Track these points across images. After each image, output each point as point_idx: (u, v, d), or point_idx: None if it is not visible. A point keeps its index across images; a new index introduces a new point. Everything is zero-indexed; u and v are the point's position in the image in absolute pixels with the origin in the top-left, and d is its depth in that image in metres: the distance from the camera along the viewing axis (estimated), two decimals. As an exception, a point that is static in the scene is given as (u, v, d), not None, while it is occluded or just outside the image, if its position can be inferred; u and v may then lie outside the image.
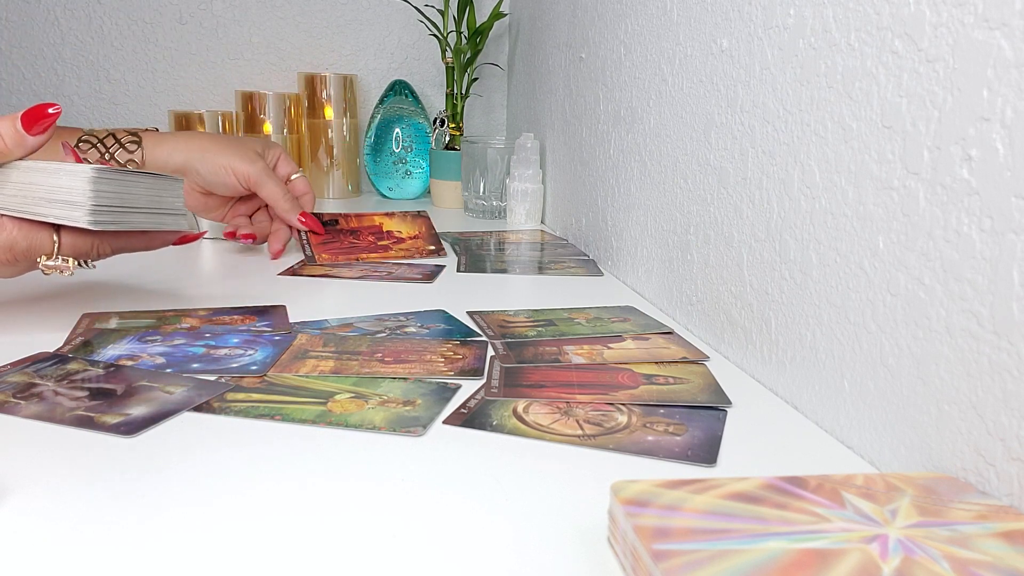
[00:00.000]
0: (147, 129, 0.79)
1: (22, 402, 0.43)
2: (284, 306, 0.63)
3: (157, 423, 0.41)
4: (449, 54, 1.22)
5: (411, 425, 0.42)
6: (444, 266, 0.80)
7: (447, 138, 1.24)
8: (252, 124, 1.27)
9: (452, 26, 1.23)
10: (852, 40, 0.40)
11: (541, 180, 1.07)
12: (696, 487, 0.31)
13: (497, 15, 1.22)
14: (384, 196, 1.33)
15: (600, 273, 0.79)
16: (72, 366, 0.48)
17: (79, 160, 0.56)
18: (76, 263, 0.52)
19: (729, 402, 0.46)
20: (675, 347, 0.55)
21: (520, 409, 0.44)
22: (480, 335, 0.57)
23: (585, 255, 0.87)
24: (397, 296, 0.68)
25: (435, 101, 1.39)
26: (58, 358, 0.49)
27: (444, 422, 0.42)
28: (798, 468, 0.39)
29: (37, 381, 0.46)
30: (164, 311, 0.61)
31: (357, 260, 0.82)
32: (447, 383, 0.48)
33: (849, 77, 0.41)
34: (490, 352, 0.53)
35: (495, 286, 0.73)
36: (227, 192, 0.81)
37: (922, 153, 0.36)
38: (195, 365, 0.49)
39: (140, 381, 0.46)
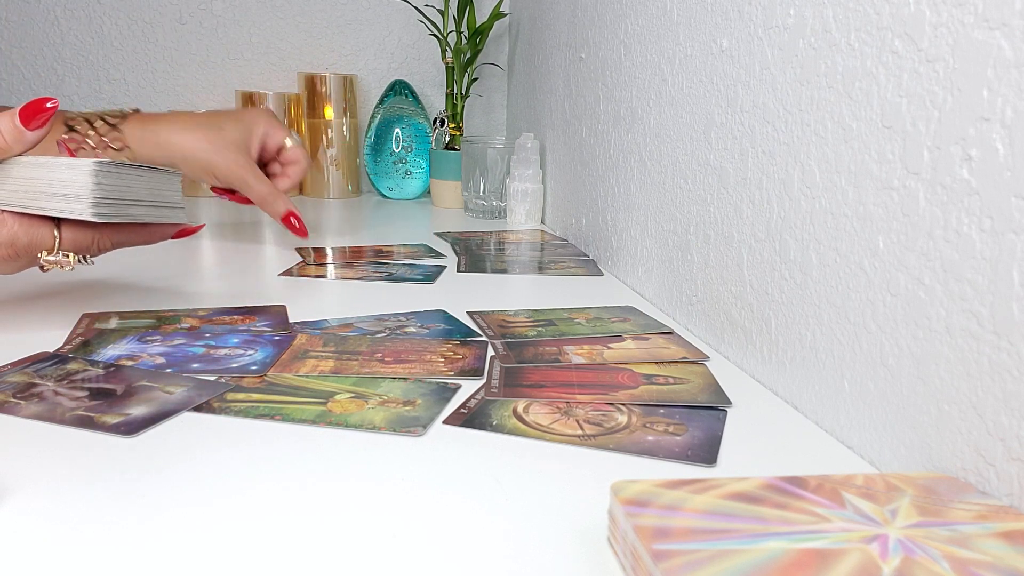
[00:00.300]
0: (127, 113, 0.78)
1: (22, 402, 0.43)
2: (284, 306, 0.63)
3: (157, 423, 0.41)
4: (449, 54, 1.22)
5: (411, 425, 0.42)
6: (444, 266, 0.80)
7: (447, 138, 1.24)
8: (252, 124, 1.27)
9: (452, 26, 1.23)
10: (852, 40, 0.40)
11: (541, 180, 1.07)
12: (696, 487, 0.31)
13: (497, 15, 1.22)
14: (384, 196, 1.33)
15: (600, 273, 0.79)
16: (72, 366, 0.48)
17: (71, 154, 0.56)
18: (77, 258, 0.52)
19: (729, 402, 0.46)
20: (675, 347, 0.55)
21: (520, 409, 0.44)
22: (480, 335, 0.57)
23: (585, 255, 0.87)
24: (397, 296, 0.68)
25: (435, 101, 1.39)
26: (58, 358, 0.49)
27: (444, 422, 0.42)
28: (798, 468, 0.39)
29: (37, 381, 0.46)
30: (164, 311, 0.61)
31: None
32: (447, 383, 0.48)
33: (849, 77, 0.41)
34: (490, 352, 0.53)
35: (495, 286, 0.73)
36: (213, 183, 0.82)
37: (922, 153, 0.36)
38: (195, 365, 0.49)
39: (140, 381, 0.46)
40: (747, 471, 0.38)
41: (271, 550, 0.30)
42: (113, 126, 0.76)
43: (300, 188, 1.33)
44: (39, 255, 0.51)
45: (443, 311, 0.63)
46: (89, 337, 0.54)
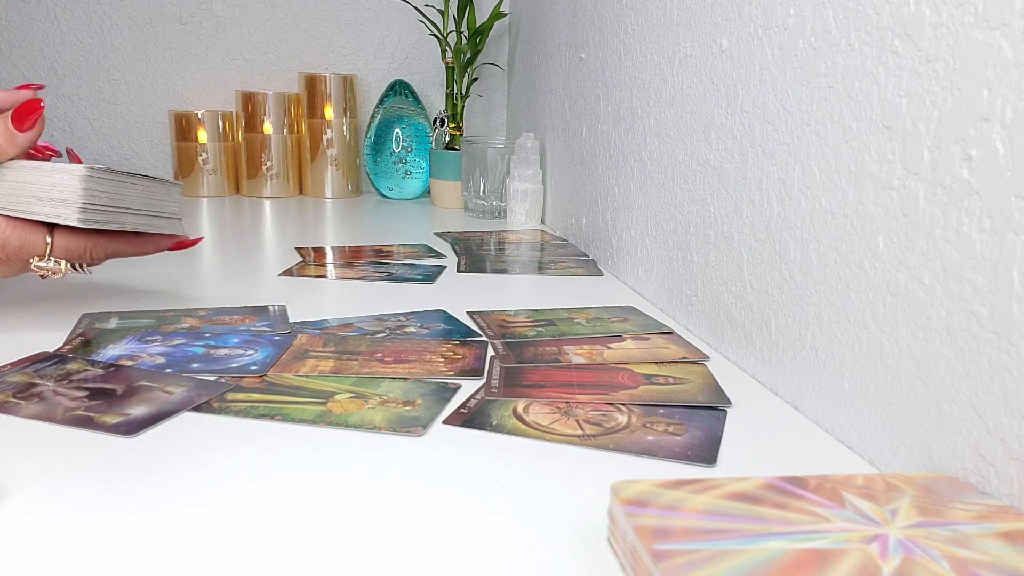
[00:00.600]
0: None
1: (22, 402, 0.43)
2: (284, 306, 0.63)
3: (157, 423, 0.41)
4: (449, 54, 1.22)
5: (411, 425, 0.42)
6: (444, 266, 0.80)
7: (447, 138, 1.24)
8: (252, 124, 1.27)
9: (452, 26, 1.23)
10: (852, 40, 0.40)
11: (541, 180, 1.07)
12: (696, 487, 0.31)
13: (497, 15, 1.22)
14: (384, 196, 1.33)
15: (600, 273, 0.79)
16: (72, 366, 0.48)
17: (78, 162, 0.56)
18: (69, 266, 0.52)
19: (729, 402, 0.46)
20: (675, 347, 0.55)
21: (520, 409, 0.44)
22: (480, 335, 0.57)
23: (585, 255, 0.87)
24: (397, 296, 0.68)
25: (435, 101, 1.39)
26: (58, 358, 0.49)
27: (444, 422, 0.42)
28: (798, 468, 0.39)
29: (37, 381, 0.46)
30: (164, 311, 0.61)
31: None
32: (447, 383, 0.48)
33: (849, 77, 0.41)
34: (490, 352, 0.53)
35: (495, 286, 0.73)
36: None
37: (922, 153, 0.36)
38: (195, 365, 0.49)
39: (140, 381, 0.46)
40: (747, 471, 0.38)
41: (271, 550, 0.30)
42: None
43: (300, 188, 1.33)
44: (31, 261, 0.51)
45: (443, 311, 0.63)
46: (89, 337, 0.54)
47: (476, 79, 1.30)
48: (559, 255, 0.87)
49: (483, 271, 0.79)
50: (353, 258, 0.84)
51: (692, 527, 0.28)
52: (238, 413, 0.42)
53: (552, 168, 1.04)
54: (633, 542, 0.28)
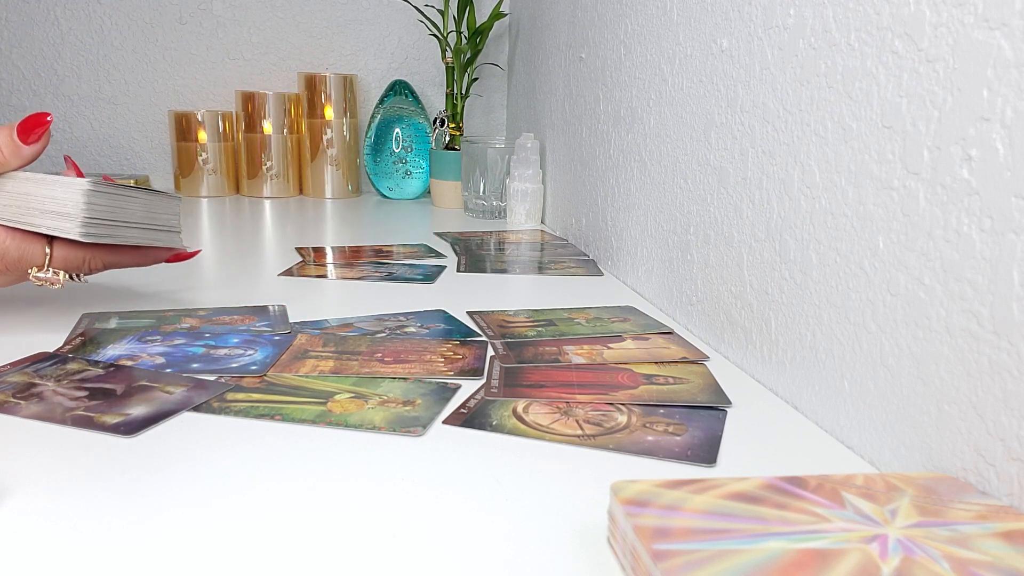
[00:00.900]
0: None
1: (22, 402, 0.43)
2: (284, 306, 0.63)
3: (157, 423, 0.41)
4: (449, 54, 1.22)
5: (411, 425, 0.42)
6: (444, 266, 0.80)
7: (447, 138, 1.24)
8: (252, 124, 1.27)
9: (452, 26, 1.23)
10: (852, 40, 0.40)
11: (541, 180, 1.07)
12: (696, 487, 0.31)
13: (497, 15, 1.22)
14: (384, 196, 1.33)
15: (600, 273, 0.79)
16: (72, 366, 0.48)
17: (80, 174, 0.56)
18: (67, 276, 0.52)
19: (729, 402, 0.46)
20: (675, 347, 0.55)
21: (520, 409, 0.44)
22: (480, 335, 0.57)
23: (585, 255, 0.87)
24: (397, 296, 0.68)
25: (435, 101, 1.39)
26: (58, 358, 0.49)
27: (444, 422, 0.42)
28: (798, 468, 0.39)
29: (37, 381, 0.46)
30: (164, 311, 0.61)
31: None
32: (447, 383, 0.48)
33: (849, 77, 0.41)
34: (490, 352, 0.53)
35: (495, 286, 0.73)
36: None
37: (922, 153, 0.36)
38: (195, 365, 0.49)
39: (140, 381, 0.46)
40: (747, 471, 0.38)
41: (271, 550, 0.30)
42: None
43: (300, 188, 1.33)
44: (29, 271, 0.51)
45: (443, 311, 0.63)
46: (89, 337, 0.54)
47: (476, 79, 1.30)
48: (559, 255, 0.87)
49: (483, 271, 0.79)
50: (353, 258, 0.84)
51: (692, 527, 0.28)
52: (238, 413, 0.42)
53: (552, 168, 1.04)
54: (633, 542, 0.28)
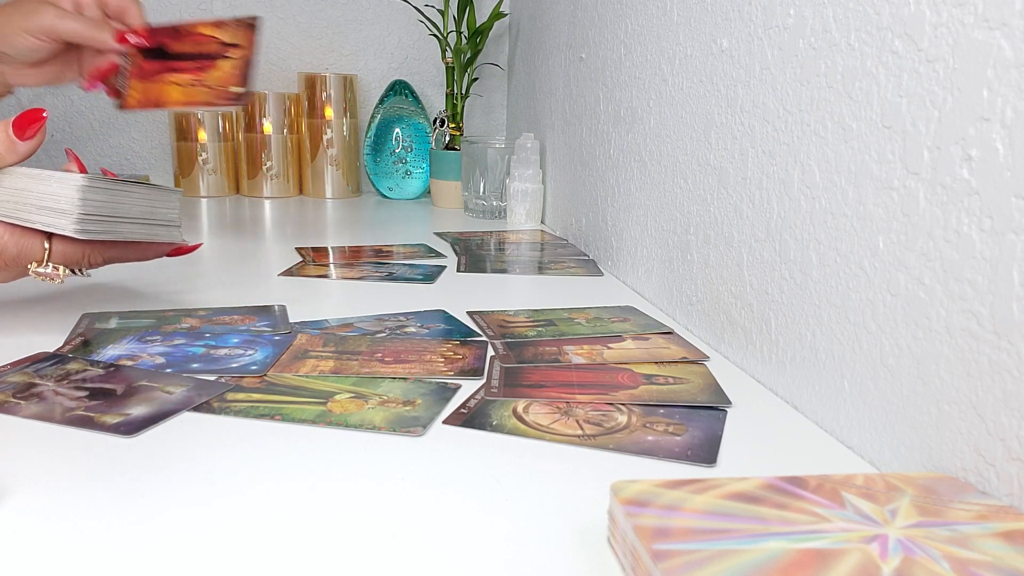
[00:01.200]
0: None
1: (22, 402, 0.43)
2: (284, 306, 0.63)
3: (157, 423, 0.41)
4: (449, 54, 1.22)
5: (411, 425, 0.42)
6: (444, 266, 0.80)
7: (447, 138, 1.24)
8: (252, 124, 1.27)
9: (452, 26, 1.23)
10: (852, 40, 0.40)
11: (541, 180, 1.07)
12: (696, 487, 0.31)
13: (497, 15, 1.22)
14: (384, 196, 1.33)
15: (600, 273, 0.79)
16: (72, 366, 0.48)
17: (81, 167, 0.56)
18: (67, 271, 0.52)
19: (729, 402, 0.46)
20: (675, 347, 0.55)
21: (520, 409, 0.44)
22: (480, 335, 0.57)
23: (585, 255, 0.87)
24: (397, 296, 0.68)
25: (435, 101, 1.39)
26: (58, 358, 0.49)
27: (444, 422, 0.42)
28: (798, 468, 0.39)
29: (37, 381, 0.46)
30: (164, 311, 0.61)
31: (162, 94, 0.73)
32: (447, 383, 0.48)
33: (849, 77, 0.41)
34: (490, 352, 0.53)
35: (495, 286, 0.73)
36: (45, 54, 0.72)
37: (922, 153, 0.36)
38: (195, 365, 0.49)
39: (140, 381, 0.46)
40: (747, 471, 0.38)
41: (271, 550, 0.30)
42: None
43: (300, 188, 1.33)
44: (29, 267, 0.51)
45: (443, 311, 0.63)
46: (89, 337, 0.54)
47: (476, 79, 1.30)
48: (559, 255, 0.87)
49: (483, 271, 0.79)
50: (353, 258, 0.84)
51: (692, 527, 0.28)
52: (238, 413, 0.42)
53: (552, 168, 1.04)
54: (633, 542, 0.28)
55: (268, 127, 1.27)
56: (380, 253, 0.86)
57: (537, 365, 0.51)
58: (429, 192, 1.29)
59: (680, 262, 0.62)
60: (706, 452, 0.40)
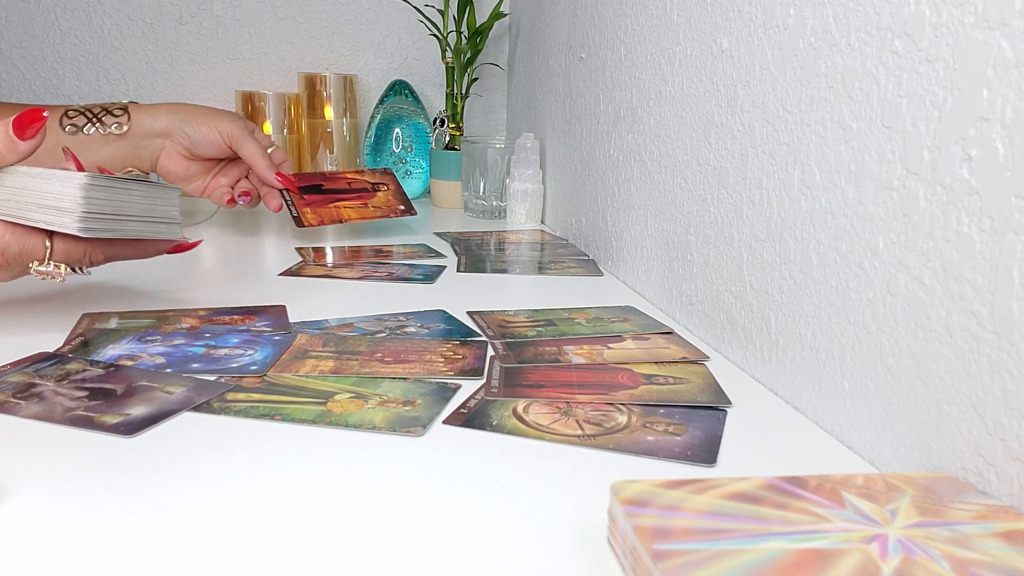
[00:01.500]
0: (125, 104, 0.84)
1: (22, 402, 0.43)
2: (284, 306, 0.63)
3: (157, 423, 0.41)
4: (449, 54, 1.22)
5: (411, 425, 0.42)
6: (444, 266, 0.80)
7: (447, 138, 1.24)
8: (252, 124, 1.27)
9: (452, 26, 1.23)
10: (852, 40, 0.40)
11: (541, 180, 1.07)
12: (696, 487, 0.31)
13: (497, 15, 1.22)
14: (384, 196, 1.33)
15: (600, 273, 0.79)
16: (72, 366, 0.48)
17: (79, 166, 0.56)
18: (68, 269, 0.52)
19: (729, 402, 0.46)
20: (675, 347, 0.55)
21: (520, 409, 0.44)
22: (480, 335, 0.57)
23: (585, 255, 0.87)
24: (397, 296, 0.68)
25: (435, 101, 1.39)
26: (58, 358, 0.49)
27: (444, 422, 0.42)
28: (798, 468, 0.39)
29: (37, 381, 0.46)
30: (164, 311, 0.61)
31: (339, 214, 0.91)
32: (447, 383, 0.48)
33: (849, 77, 0.41)
34: (490, 352, 0.53)
35: (495, 286, 0.73)
36: (210, 151, 0.87)
37: (922, 153, 0.36)
38: (195, 365, 0.49)
39: (140, 381, 0.46)
40: (747, 471, 0.38)
41: (271, 550, 0.30)
42: (112, 112, 0.82)
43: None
44: (30, 265, 0.51)
45: (443, 311, 0.63)
46: (89, 337, 0.54)
47: (476, 79, 1.30)
48: (559, 255, 0.87)
49: (483, 271, 0.79)
50: (353, 258, 0.84)
51: (692, 527, 0.28)
52: (238, 413, 0.42)
53: (552, 168, 1.04)
54: (633, 542, 0.28)
55: (268, 127, 1.27)
56: (380, 253, 0.86)
57: (537, 365, 0.51)
58: (429, 192, 1.29)
59: (680, 262, 0.62)
60: (706, 452, 0.40)
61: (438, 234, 0.99)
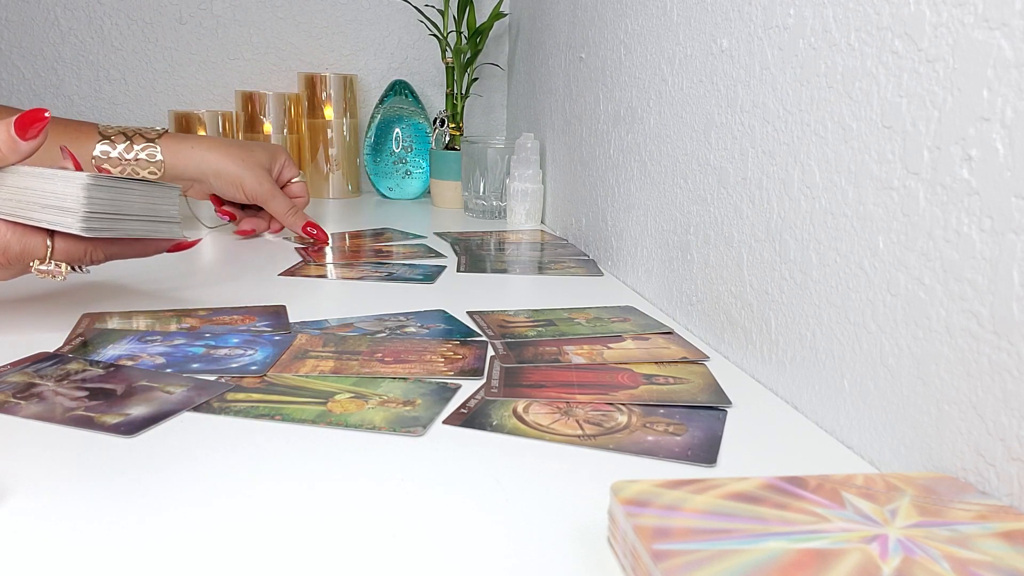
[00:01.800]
0: (161, 132, 0.86)
1: (22, 402, 0.43)
2: (284, 306, 0.63)
3: (157, 423, 0.41)
4: (449, 54, 1.22)
5: (411, 425, 0.42)
6: (444, 266, 0.80)
7: (447, 138, 1.24)
8: (252, 124, 1.27)
9: (452, 26, 1.23)
10: (852, 40, 0.40)
11: (541, 180, 1.07)
12: (696, 487, 0.31)
13: (497, 15, 1.22)
14: (384, 196, 1.33)
15: (600, 273, 0.79)
16: (72, 366, 0.48)
17: (77, 165, 0.56)
18: (69, 268, 0.52)
19: (729, 402, 0.46)
20: (675, 347, 0.55)
21: (520, 409, 0.44)
22: (480, 335, 0.57)
23: (585, 255, 0.87)
24: (397, 296, 0.68)
25: (435, 101, 1.39)
26: (58, 358, 0.49)
27: (444, 422, 0.42)
28: (798, 468, 0.39)
29: (37, 381, 0.46)
30: (164, 311, 0.61)
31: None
32: (447, 383, 0.48)
33: (849, 77, 0.41)
34: (490, 352, 0.53)
35: (495, 286, 0.73)
36: (235, 200, 0.92)
37: (922, 153, 0.36)
38: (195, 365, 0.49)
39: (140, 381, 0.46)
40: (747, 471, 0.38)
41: (271, 550, 0.30)
42: (150, 140, 0.84)
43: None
44: (31, 264, 0.51)
45: (443, 311, 0.63)
46: (89, 337, 0.54)
47: (476, 79, 1.30)
48: (559, 255, 0.87)
49: (483, 271, 0.79)
50: (353, 258, 0.84)
51: (692, 527, 0.28)
52: (238, 413, 0.42)
53: (552, 168, 1.04)
54: (633, 542, 0.28)
55: (268, 127, 1.27)
56: (380, 253, 0.86)
57: (537, 365, 0.51)
58: (429, 192, 1.29)
59: (680, 262, 0.62)
60: (706, 452, 0.40)
61: (438, 234, 0.99)
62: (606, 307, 0.65)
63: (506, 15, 1.27)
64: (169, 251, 0.59)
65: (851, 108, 0.40)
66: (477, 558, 0.30)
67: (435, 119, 1.24)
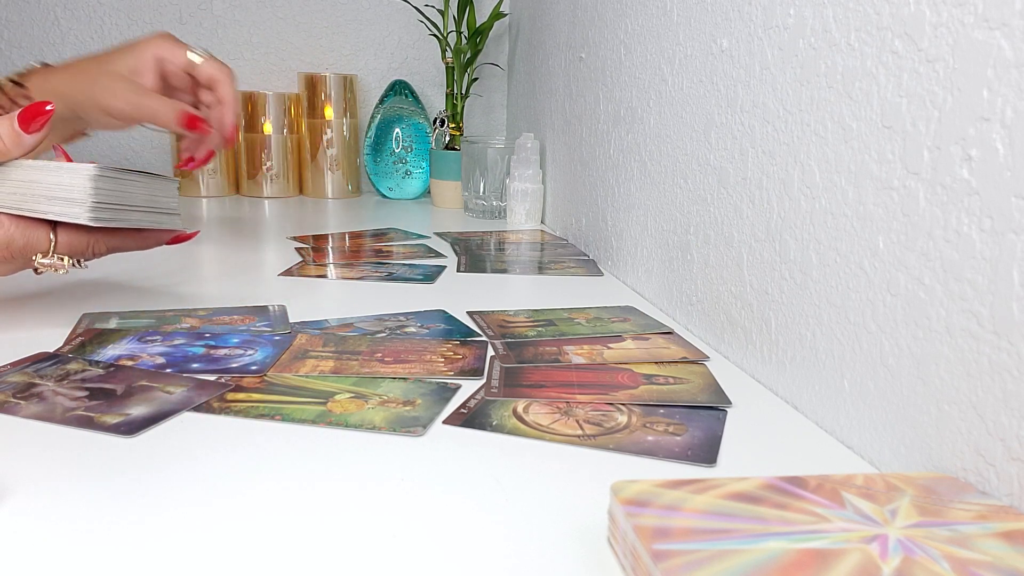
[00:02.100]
0: (33, 69, 0.71)
1: (22, 402, 0.43)
2: (284, 306, 0.63)
3: (157, 423, 0.41)
4: (449, 54, 1.22)
5: (411, 425, 0.42)
6: (444, 266, 0.80)
7: (447, 138, 1.24)
8: (252, 124, 1.27)
9: (452, 26, 1.23)
10: (852, 40, 0.40)
11: (541, 180, 1.07)
12: (696, 487, 0.31)
13: (497, 15, 1.22)
14: (384, 196, 1.33)
15: (600, 273, 0.79)
16: (72, 366, 0.48)
17: (67, 159, 0.56)
18: (71, 262, 0.53)
19: (729, 402, 0.46)
20: (675, 347, 0.55)
21: (520, 409, 0.44)
22: (480, 335, 0.57)
23: (585, 255, 0.87)
24: (397, 296, 0.68)
25: (435, 101, 1.39)
26: (58, 358, 0.49)
27: (444, 422, 0.42)
28: (798, 468, 0.39)
29: (37, 381, 0.46)
30: (164, 311, 0.61)
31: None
32: (447, 383, 0.48)
33: (849, 77, 0.41)
34: (490, 352, 0.53)
35: (495, 286, 0.73)
36: (124, 126, 0.72)
37: (922, 153, 0.36)
38: (195, 365, 0.49)
39: (140, 381, 0.46)
40: (747, 471, 0.38)
41: (271, 550, 0.30)
42: (18, 84, 0.69)
43: (300, 188, 1.33)
44: (34, 258, 0.51)
45: (443, 311, 0.63)
46: (89, 337, 0.54)
47: (476, 79, 1.30)
48: (559, 255, 0.87)
49: (483, 271, 0.79)
50: (353, 258, 0.84)
51: (692, 527, 0.28)
52: (238, 413, 0.42)
53: (552, 168, 1.04)
54: (633, 542, 0.28)
55: (268, 127, 1.27)
56: (380, 253, 0.86)
57: (537, 365, 0.51)
58: (429, 192, 1.29)
59: (680, 262, 0.62)
60: (706, 452, 0.40)
61: (438, 234, 0.99)
62: (606, 307, 0.65)
63: (506, 15, 1.27)
64: (169, 243, 0.60)
65: (851, 108, 0.40)
66: (477, 558, 0.30)
67: (435, 119, 1.24)
